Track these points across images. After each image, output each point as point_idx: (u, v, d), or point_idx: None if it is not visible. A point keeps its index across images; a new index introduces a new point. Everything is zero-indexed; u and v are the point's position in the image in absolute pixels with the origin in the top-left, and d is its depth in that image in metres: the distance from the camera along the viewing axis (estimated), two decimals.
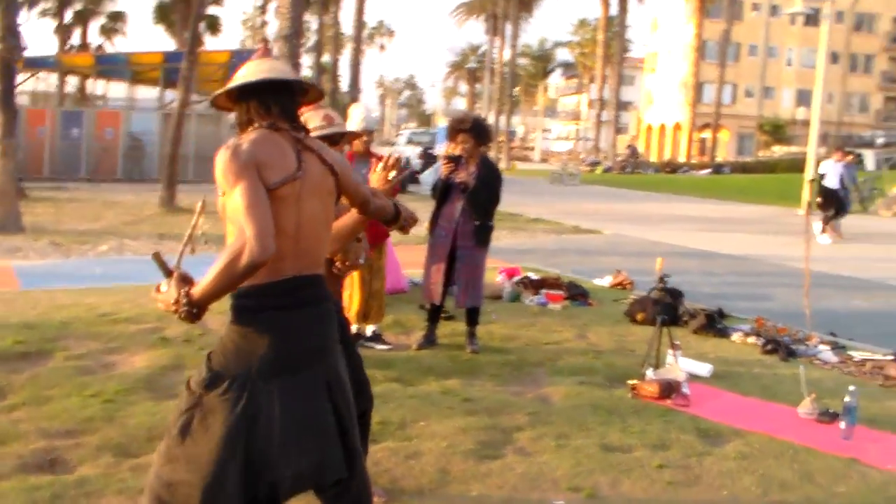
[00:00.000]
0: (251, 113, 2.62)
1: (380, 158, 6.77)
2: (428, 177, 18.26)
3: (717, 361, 6.52)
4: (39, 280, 8.96)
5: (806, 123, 46.74)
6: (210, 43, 52.42)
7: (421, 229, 5.32)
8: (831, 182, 16.91)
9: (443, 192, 6.62)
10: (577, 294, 8.89)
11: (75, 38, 61.01)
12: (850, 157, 17.76)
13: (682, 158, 55.95)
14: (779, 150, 54.79)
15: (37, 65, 26.85)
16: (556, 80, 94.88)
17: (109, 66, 28.45)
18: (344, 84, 45.93)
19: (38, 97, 30.57)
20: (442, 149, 26.81)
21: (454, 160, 6.52)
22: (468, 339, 6.70)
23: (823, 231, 16.69)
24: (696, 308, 8.16)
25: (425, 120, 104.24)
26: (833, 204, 16.92)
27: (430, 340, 6.74)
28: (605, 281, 10.12)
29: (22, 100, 24.14)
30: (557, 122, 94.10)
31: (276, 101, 2.62)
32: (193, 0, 20.87)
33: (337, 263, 3.40)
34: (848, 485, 4.33)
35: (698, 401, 5.53)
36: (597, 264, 11.75)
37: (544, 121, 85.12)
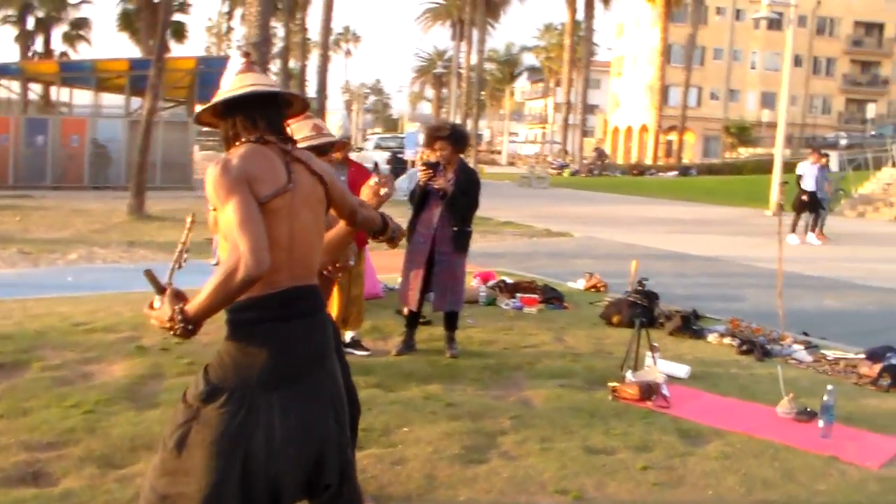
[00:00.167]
0: (238, 127, 2.60)
1: (356, 165, 6.79)
2: (402, 183, 18.25)
3: (695, 362, 6.59)
4: (10, 289, 8.83)
5: (770, 125, 47.42)
6: (176, 50, 51.96)
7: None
8: (808, 184, 17.14)
9: (421, 198, 6.64)
10: (552, 297, 8.93)
11: (38, 46, 60.33)
12: (824, 160, 18.00)
13: (648, 161, 56.26)
14: (745, 152, 55.43)
15: None
16: (522, 84, 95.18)
17: (74, 74, 28.06)
18: (311, 90, 45.70)
19: (0, 105, 30.08)
20: (410, 154, 26.85)
21: (432, 167, 6.54)
22: (447, 344, 6.72)
23: (793, 231, 16.91)
24: (672, 310, 8.22)
25: (392, 125, 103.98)
26: (812, 206, 17.16)
27: (408, 346, 6.74)
28: (579, 284, 10.16)
29: None
30: (524, 125, 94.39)
31: (263, 114, 2.61)
32: (160, 7, 20.71)
33: (328, 265, 3.40)
34: (828, 482, 4.40)
35: (678, 402, 5.59)
36: (569, 267, 11.80)
37: (511, 124, 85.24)
